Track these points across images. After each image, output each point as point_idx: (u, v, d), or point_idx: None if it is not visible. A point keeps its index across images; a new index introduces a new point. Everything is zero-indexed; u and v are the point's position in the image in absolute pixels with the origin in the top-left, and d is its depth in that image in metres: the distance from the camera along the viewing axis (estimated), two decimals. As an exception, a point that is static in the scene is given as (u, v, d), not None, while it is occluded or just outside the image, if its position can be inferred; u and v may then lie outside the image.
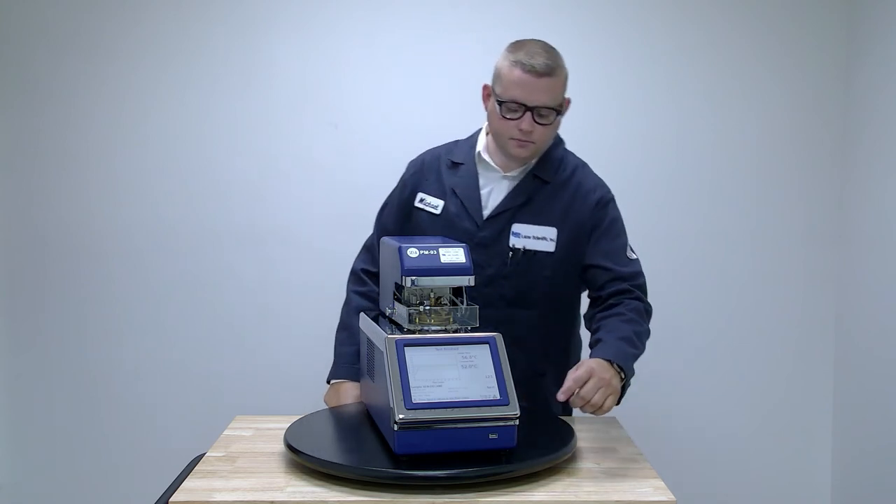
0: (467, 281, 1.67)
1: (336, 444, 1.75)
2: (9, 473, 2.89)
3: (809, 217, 2.82)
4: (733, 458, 2.88)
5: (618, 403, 1.73)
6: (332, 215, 2.80)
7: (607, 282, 1.93)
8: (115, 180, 2.81)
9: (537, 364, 1.98)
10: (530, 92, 1.85)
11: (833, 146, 2.80)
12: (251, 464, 1.64)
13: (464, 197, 1.99)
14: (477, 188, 1.99)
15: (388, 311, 1.81)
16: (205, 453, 1.70)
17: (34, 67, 2.78)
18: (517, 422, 1.54)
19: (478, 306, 1.69)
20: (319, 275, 2.80)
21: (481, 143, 2.03)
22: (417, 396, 1.52)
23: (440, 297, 1.71)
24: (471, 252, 1.79)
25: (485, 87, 1.96)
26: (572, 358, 2.08)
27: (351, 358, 2.00)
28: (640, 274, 1.96)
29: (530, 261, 1.94)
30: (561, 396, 1.64)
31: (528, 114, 1.86)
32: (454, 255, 1.67)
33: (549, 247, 1.95)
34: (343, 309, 2.11)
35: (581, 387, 1.63)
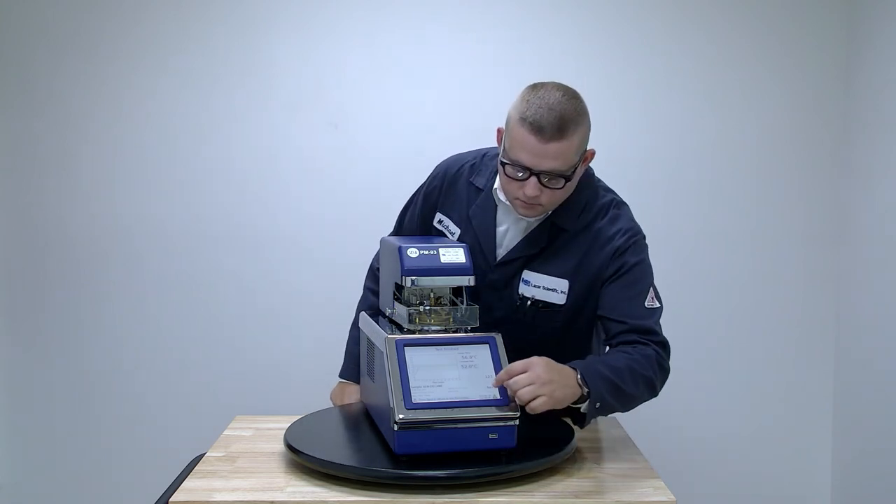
0: (467, 281, 1.66)
1: (336, 444, 1.75)
2: (9, 473, 2.89)
3: (809, 217, 2.82)
4: (733, 457, 2.88)
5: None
6: (332, 215, 2.80)
7: (619, 333, 1.76)
8: (115, 180, 2.81)
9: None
10: (535, 156, 1.66)
11: (833, 146, 2.80)
12: (251, 464, 1.64)
13: (479, 232, 1.86)
14: (493, 224, 1.85)
15: (388, 312, 1.81)
16: (205, 453, 1.70)
17: (34, 67, 2.78)
18: (517, 422, 1.54)
19: (477, 306, 1.69)
20: (319, 274, 2.80)
21: (503, 194, 1.81)
22: (417, 396, 1.52)
23: (440, 297, 1.71)
24: (480, 292, 1.77)
25: (498, 131, 1.78)
26: None
27: (359, 359, 1.99)
28: (656, 330, 1.76)
29: (539, 312, 1.82)
30: (493, 384, 1.56)
31: (534, 178, 1.68)
32: (454, 255, 1.67)
33: (560, 299, 1.80)
34: (358, 305, 2.08)
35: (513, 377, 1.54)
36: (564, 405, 1.58)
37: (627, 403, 1.69)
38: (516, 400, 1.54)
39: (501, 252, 1.85)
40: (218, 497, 1.48)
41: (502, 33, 2.77)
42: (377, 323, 1.77)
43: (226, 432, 1.83)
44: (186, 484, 1.54)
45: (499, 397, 1.55)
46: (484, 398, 1.54)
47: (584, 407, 1.62)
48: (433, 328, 1.66)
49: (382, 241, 1.88)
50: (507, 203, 1.80)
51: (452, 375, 1.56)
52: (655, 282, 1.82)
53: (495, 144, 1.84)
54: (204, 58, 2.78)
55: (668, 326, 1.82)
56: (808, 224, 2.83)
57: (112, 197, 2.82)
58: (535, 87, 1.70)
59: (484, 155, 1.95)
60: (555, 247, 1.81)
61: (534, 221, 1.82)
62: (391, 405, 1.51)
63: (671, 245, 2.77)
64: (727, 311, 2.85)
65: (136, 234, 2.82)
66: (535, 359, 1.57)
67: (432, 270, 1.65)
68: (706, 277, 2.83)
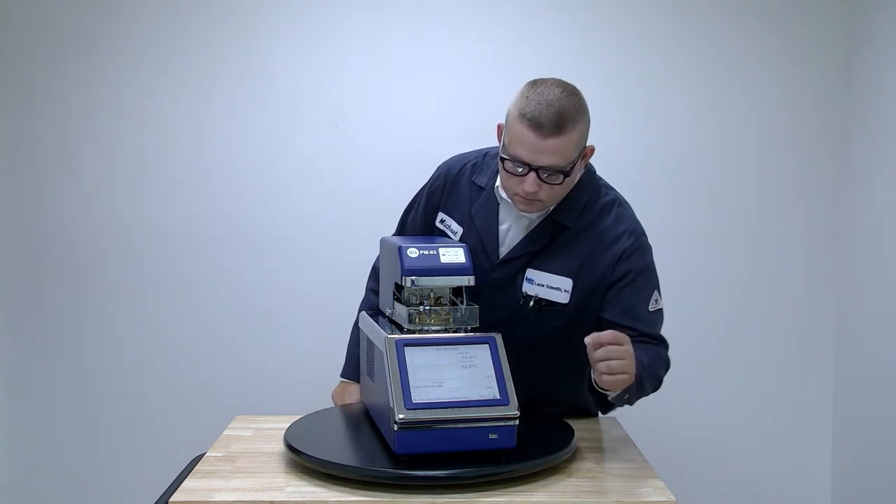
0: (467, 281, 1.66)
1: (336, 444, 1.75)
2: (9, 473, 2.89)
3: (809, 217, 2.82)
4: (733, 457, 2.88)
5: (604, 412, 1.74)
6: (332, 215, 2.80)
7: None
8: (115, 181, 2.81)
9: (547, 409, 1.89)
10: (534, 152, 1.66)
11: (833, 146, 2.80)
12: (251, 464, 1.64)
13: (482, 230, 1.86)
14: (496, 223, 1.85)
15: (388, 312, 1.81)
16: (205, 453, 1.70)
17: (34, 67, 2.78)
18: (517, 422, 1.54)
19: (477, 307, 1.69)
20: (319, 274, 2.80)
21: (503, 190, 1.82)
22: (417, 396, 1.52)
23: (440, 297, 1.71)
24: (483, 292, 1.77)
25: (498, 128, 1.78)
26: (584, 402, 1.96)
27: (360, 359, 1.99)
28: (658, 335, 1.80)
29: (542, 310, 1.81)
30: (588, 339, 1.55)
31: (533, 174, 1.68)
32: (454, 255, 1.67)
33: (563, 298, 1.80)
34: (360, 306, 2.07)
35: (610, 346, 1.55)
36: (620, 389, 1.63)
37: (639, 397, 1.75)
38: (598, 367, 1.55)
39: (504, 251, 1.85)
40: (218, 497, 1.48)
41: (502, 33, 2.77)
42: (377, 323, 1.77)
43: (226, 432, 1.83)
44: (186, 484, 1.54)
45: (498, 397, 1.55)
46: (484, 398, 1.54)
47: (611, 396, 1.70)
48: (433, 328, 1.66)
49: (382, 240, 1.88)
50: (509, 200, 1.80)
51: (452, 375, 1.56)
52: None
53: (496, 144, 1.84)
54: (204, 58, 2.78)
55: (669, 326, 1.83)
56: (808, 224, 2.82)
57: (112, 197, 2.82)
58: (534, 84, 1.71)
59: (485, 154, 1.95)
60: (558, 245, 1.81)
61: (536, 219, 1.82)
62: (391, 405, 1.51)
63: (671, 245, 2.76)
64: (727, 311, 2.85)
65: (136, 234, 2.82)
66: (624, 336, 1.58)
67: (432, 270, 1.65)
68: (706, 277, 2.83)
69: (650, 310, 1.79)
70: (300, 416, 1.81)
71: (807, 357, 2.86)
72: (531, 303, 1.81)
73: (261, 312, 2.84)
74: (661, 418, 2.79)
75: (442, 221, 1.94)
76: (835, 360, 2.85)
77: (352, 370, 2.02)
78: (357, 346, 1.99)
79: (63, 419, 2.87)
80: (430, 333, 1.63)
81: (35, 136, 2.81)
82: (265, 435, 1.79)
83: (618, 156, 2.68)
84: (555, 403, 1.92)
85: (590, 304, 1.81)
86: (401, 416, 1.50)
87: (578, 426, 1.81)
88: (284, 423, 1.76)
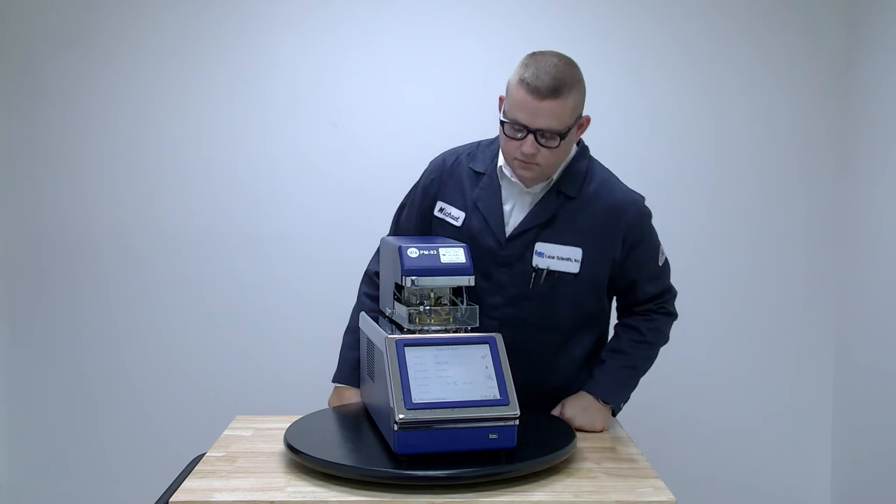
0: (467, 281, 1.66)
1: (336, 444, 1.75)
2: (9, 473, 2.89)
3: (809, 217, 2.82)
4: (733, 457, 2.88)
5: (614, 415, 1.90)
6: (332, 215, 2.80)
7: (636, 303, 1.97)
8: (114, 180, 2.81)
9: (560, 387, 1.94)
10: (532, 114, 1.75)
11: (833, 146, 2.80)
12: (251, 464, 1.64)
13: (486, 213, 1.90)
14: (500, 203, 1.90)
15: (388, 311, 1.81)
16: (205, 453, 1.70)
17: (34, 67, 2.78)
18: (517, 422, 1.54)
19: (477, 306, 1.69)
20: (319, 275, 2.80)
21: (503, 156, 1.90)
22: (417, 396, 1.52)
23: (440, 297, 1.71)
24: (493, 272, 1.80)
25: (500, 99, 1.85)
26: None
27: (355, 363, 1.98)
28: (668, 288, 1.99)
29: (555, 282, 1.87)
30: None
31: (531, 136, 1.76)
32: (454, 255, 1.67)
33: (574, 268, 1.87)
34: (353, 310, 2.08)
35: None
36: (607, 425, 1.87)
37: (641, 375, 1.97)
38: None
39: (510, 229, 1.89)
40: (218, 497, 1.48)
41: (502, 33, 2.77)
42: (377, 323, 1.77)
43: (226, 432, 1.82)
44: (186, 484, 1.54)
45: (499, 397, 1.55)
46: (484, 398, 1.54)
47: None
48: (433, 328, 1.66)
49: (382, 241, 1.88)
50: (512, 179, 1.87)
51: (452, 375, 1.56)
52: None
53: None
54: (203, 58, 2.78)
55: (669, 326, 1.83)
56: (808, 224, 2.83)
57: (112, 197, 2.82)
58: (533, 54, 1.80)
59: (478, 144, 2.01)
60: (564, 217, 1.88)
61: (539, 192, 1.88)
62: (391, 405, 1.51)
63: (671, 245, 2.74)
64: (727, 310, 2.85)
65: (136, 234, 2.82)
66: (572, 408, 1.86)
67: (432, 270, 1.65)
68: (706, 277, 2.83)
69: (660, 265, 1.96)
70: (300, 416, 1.81)
71: (807, 357, 2.86)
72: (543, 276, 1.86)
73: (261, 312, 2.84)
74: (661, 418, 2.80)
75: (441, 210, 1.97)
76: (835, 359, 2.85)
77: (345, 374, 2.01)
78: (350, 351, 2.00)
79: (63, 419, 2.87)
80: (430, 333, 1.63)
81: (35, 136, 2.81)
82: (265, 435, 1.79)
83: (618, 156, 2.67)
84: (550, 385, 1.94)
85: (600, 272, 1.90)
86: (401, 416, 1.50)
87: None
88: (284, 423, 1.76)
